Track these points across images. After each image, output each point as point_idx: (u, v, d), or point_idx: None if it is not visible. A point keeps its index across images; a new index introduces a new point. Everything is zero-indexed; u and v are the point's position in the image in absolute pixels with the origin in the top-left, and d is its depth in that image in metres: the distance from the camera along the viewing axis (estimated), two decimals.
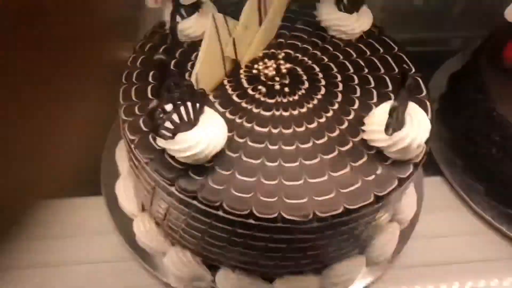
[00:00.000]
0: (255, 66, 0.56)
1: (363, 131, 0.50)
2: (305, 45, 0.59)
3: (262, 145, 0.49)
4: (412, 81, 0.44)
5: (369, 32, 0.61)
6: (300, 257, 0.52)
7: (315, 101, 0.54)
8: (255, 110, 0.52)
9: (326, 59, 0.58)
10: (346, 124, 0.52)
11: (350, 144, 0.50)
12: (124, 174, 0.63)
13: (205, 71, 0.51)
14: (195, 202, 0.46)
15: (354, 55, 0.59)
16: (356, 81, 0.56)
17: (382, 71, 0.57)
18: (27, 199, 0.63)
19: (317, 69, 0.57)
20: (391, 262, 0.62)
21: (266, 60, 0.57)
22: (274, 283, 0.56)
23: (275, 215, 0.45)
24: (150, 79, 0.54)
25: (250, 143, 0.50)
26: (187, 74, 0.54)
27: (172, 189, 0.47)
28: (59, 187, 0.64)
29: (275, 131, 0.51)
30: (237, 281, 0.55)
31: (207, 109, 0.47)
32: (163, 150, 0.47)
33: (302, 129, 0.51)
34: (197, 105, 0.45)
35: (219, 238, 0.49)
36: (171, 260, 0.57)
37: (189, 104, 0.44)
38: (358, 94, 0.55)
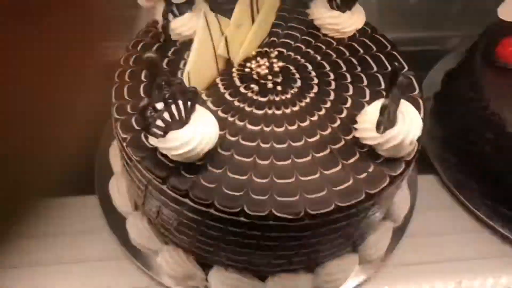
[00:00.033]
0: (248, 64, 0.56)
1: (355, 129, 0.50)
2: (298, 44, 0.60)
3: (254, 144, 0.50)
4: (403, 79, 0.44)
5: (362, 31, 0.61)
6: (292, 255, 0.52)
7: (308, 100, 0.54)
8: (247, 109, 0.52)
9: (319, 58, 0.58)
10: (338, 122, 0.52)
11: (342, 142, 0.50)
12: (117, 173, 0.63)
13: (197, 70, 0.51)
14: (186, 200, 0.46)
15: (347, 54, 0.59)
16: (349, 79, 0.56)
17: (375, 69, 0.57)
18: (19, 198, 0.63)
19: (310, 67, 0.57)
20: (384, 261, 0.63)
21: (259, 58, 0.57)
22: (267, 282, 0.56)
23: (266, 213, 0.45)
24: (142, 77, 0.54)
25: (242, 142, 0.50)
26: (179, 73, 0.54)
27: (164, 187, 0.47)
28: (52, 186, 0.64)
29: (267, 129, 0.51)
30: (229, 279, 0.55)
31: (198, 107, 0.47)
32: (155, 149, 0.47)
33: (294, 127, 0.51)
34: (189, 103, 0.45)
35: (211, 237, 0.49)
36: (164, 259, 0.57)
37: (180, 102, 0.44)
38: (350, 92, 0.55)
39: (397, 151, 0.48)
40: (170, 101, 0.43)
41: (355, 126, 0.50)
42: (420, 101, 0.54)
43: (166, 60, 0.56)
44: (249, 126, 0.51)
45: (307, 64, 0.57)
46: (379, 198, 0.48)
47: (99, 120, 0.69)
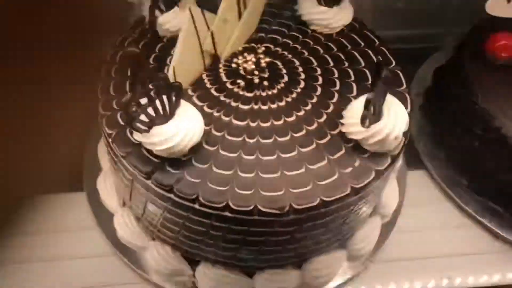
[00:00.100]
0: (235, 60, 0.56)
1: (342, 124, 0.50)
2: (285, 39, 0.59)
3: (240, 139, 0.49)
4: (387, 73, 0.44)
5: (350, 26, 0.61)
6: (279, 251, 0.52)
7: (294, 95, 0.53)
8: (233, 104, 0.52)
9: (306, 53, 0.58)
10: (324, 117, 0.52)
11: (328, 137, 0.50)
12: (105, 170, 0.63)
13: (183, 65, 0.51)
14: (171, 195, 0.46)
15: (335, 49, 0.59)
16: (336, 74, 0.56)
17: (363, 64, 0.57)
18: (9, 196, 0.62)
19: (297, 63, 0.57)
20: (373, 256, 0.62)
21: (245, 54, 0.57)
22: (254, 277, 0.56)
23: (251, 207, 0.45)
24: (129, 73, 0.54)
25: (227, 137, 0.49)
26: (166, 69, 0.54)
27: (149, 182, 0.46)
28: (41, 183, 0.64)
29: (253, 124, 0.51)
30: (217, 275, 0.55)
31: (183, 102, 0.46)
32: (140, 144, 0.47)
33: (280, 122, 0.51)
34: (173, 98, 0.45)
35: (196, 232, 0.49)
36: (152, 255, 0.56)
37: (164, 97, 0.44)
38: (337, 87, 0.55)
39: (382, 145, 0.48)
40: (154, 96, 0.43)
41: (341, 121, 0.50)
42: (407, 96, 0.54)
43: (153, 56, 0.56)
44: (235, 121, 0.51)
45: (294, 60, 0.57)
46: (365, 193, 0.48)
47: (89, 117, 0.69)
